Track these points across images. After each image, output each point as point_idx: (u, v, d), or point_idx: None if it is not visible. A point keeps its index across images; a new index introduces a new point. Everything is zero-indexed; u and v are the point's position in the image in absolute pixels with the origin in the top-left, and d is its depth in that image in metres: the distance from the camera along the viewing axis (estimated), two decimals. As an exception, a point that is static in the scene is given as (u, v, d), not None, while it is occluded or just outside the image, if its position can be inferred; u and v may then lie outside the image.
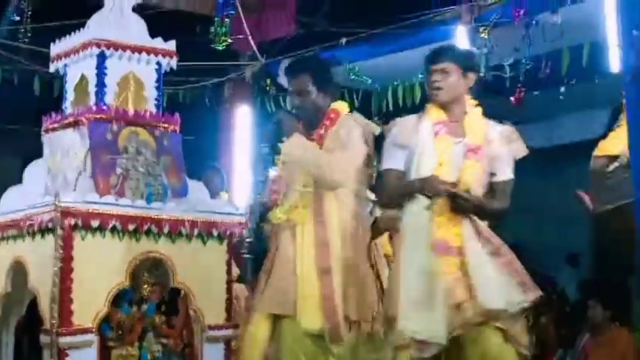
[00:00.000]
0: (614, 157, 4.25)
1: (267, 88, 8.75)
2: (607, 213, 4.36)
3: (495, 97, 6.90)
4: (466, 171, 3.55)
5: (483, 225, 3.57)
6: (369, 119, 4.02)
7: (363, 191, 3.85)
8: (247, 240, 3.94)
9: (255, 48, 8.35)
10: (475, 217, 3.53)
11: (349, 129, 3.71)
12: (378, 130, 3.80)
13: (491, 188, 3.63)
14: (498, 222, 3.68)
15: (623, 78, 4.13)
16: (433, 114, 3.66)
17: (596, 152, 4.33)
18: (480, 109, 3.69)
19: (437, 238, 3.51)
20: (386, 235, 4.43)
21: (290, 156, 3.74)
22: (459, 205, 3.47)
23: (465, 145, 3.60)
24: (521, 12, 6.71)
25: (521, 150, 3.67)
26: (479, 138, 3.60)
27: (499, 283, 3.45)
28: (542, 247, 9.68)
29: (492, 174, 3.62)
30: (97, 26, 5.13)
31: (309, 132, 3.77)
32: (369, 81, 7.82)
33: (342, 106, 3.88)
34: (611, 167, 4.30)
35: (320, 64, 4.13)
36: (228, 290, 4.87)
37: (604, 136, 4.65)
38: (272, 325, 3.75)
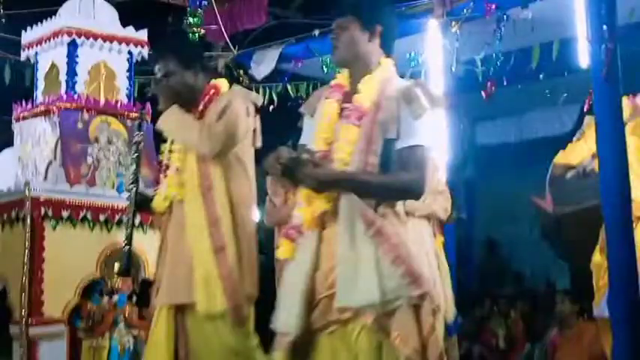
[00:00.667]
0: (573, 167, 4.44)
1: (240, 78, 8.73)
2: (571, 214, 4.53)
3: (466, 91, 6.94)
4: (339, 138, 2.90)
5: (362, 204, 2.80)
6: None
7: (247, 162, 3.59)
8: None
9: (227, 39, 8.32)
10: (353, 196, 2.81)
11: (227, 100, 3.52)
12: (259, 100, 3.62)
13: (397, 157, 2.87)
14: (411, 199, 2.95)
15: (592, 72, 4.18)
16: (336, 78, 3.08)
17: (557, 160, 4.50)
18: (387, 65, 3.00)
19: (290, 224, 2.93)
20: None
21: (163, 128, 3.57)
22: (303, 181, 2.80)
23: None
24: (493, 7, 6.75)
25: (421, 109, 2.86)
26: (366, 98, 2.91)
27: (372, 275, 2.76)
28: (520, 242, 9.72)
29: (392, 140, 2.86)
30: (68, 14, 5.10)
31: (188, 112, 3.57)
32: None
33: (221, 82, 3.69)
34: (569, 175, 4.47)
35: (182, 43, 3.92)
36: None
37: (574, 131, 4.76)
38: (176, 321, 3.48)
